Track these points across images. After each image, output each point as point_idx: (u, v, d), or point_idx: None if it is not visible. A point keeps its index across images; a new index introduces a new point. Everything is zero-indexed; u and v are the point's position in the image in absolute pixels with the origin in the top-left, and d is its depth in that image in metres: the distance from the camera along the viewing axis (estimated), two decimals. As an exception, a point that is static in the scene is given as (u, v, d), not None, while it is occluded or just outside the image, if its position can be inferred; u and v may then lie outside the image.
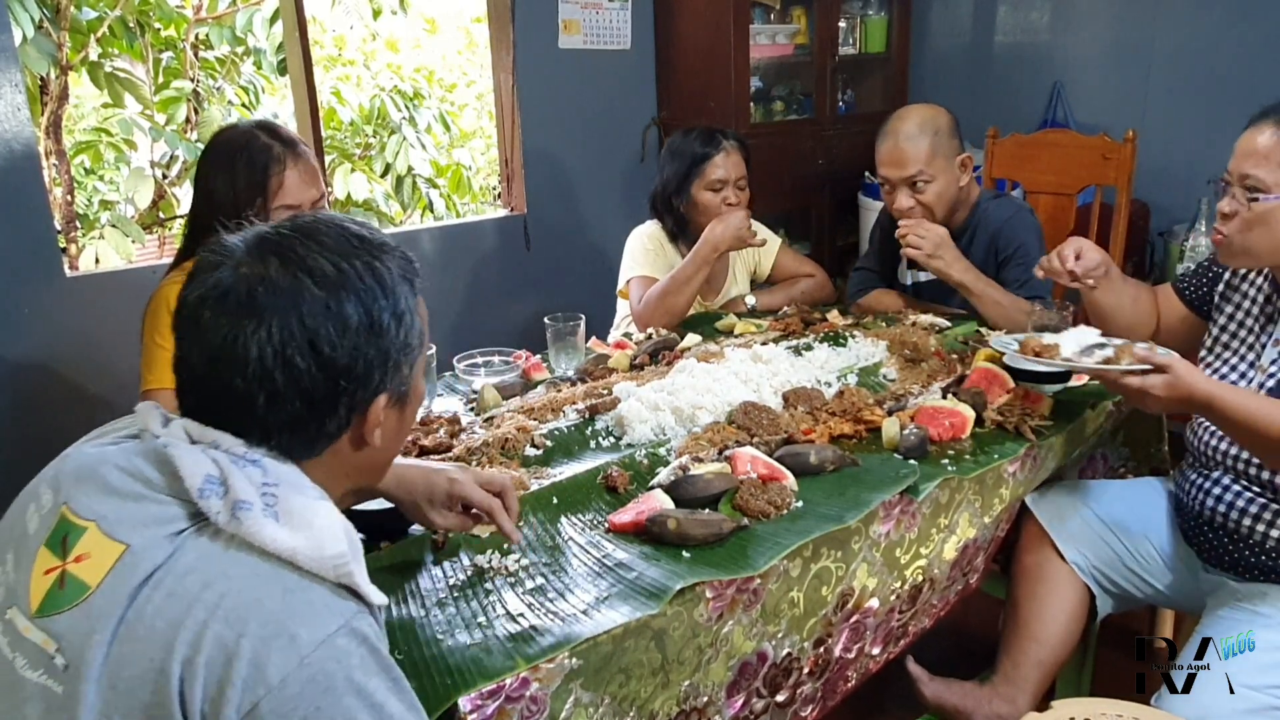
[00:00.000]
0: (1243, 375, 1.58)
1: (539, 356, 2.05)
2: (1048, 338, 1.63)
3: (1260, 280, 1.63)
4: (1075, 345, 1.60)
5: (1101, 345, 1.57)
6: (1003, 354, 1.66)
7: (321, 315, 0.84)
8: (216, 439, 0.84)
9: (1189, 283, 1.77)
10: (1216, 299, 1.70)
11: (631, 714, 1.14)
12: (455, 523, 1.22)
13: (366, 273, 0.87)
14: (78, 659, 0.76)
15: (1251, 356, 1.59)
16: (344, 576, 0.80)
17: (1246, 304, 1.64)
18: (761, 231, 2.58)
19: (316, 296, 0.84)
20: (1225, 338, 1.66)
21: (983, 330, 2.11)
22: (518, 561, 1.23)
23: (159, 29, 3.97)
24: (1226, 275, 1.69)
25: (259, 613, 0.76)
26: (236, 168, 1.69)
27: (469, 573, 1.22)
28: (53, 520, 0.83)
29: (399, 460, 1.21)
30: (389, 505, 1.30)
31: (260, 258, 0.85)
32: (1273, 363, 1.54)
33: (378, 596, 0.83)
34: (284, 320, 0.82)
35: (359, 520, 1.31)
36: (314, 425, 0.87)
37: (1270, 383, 1.52)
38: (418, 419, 1.70)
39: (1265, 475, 1.52)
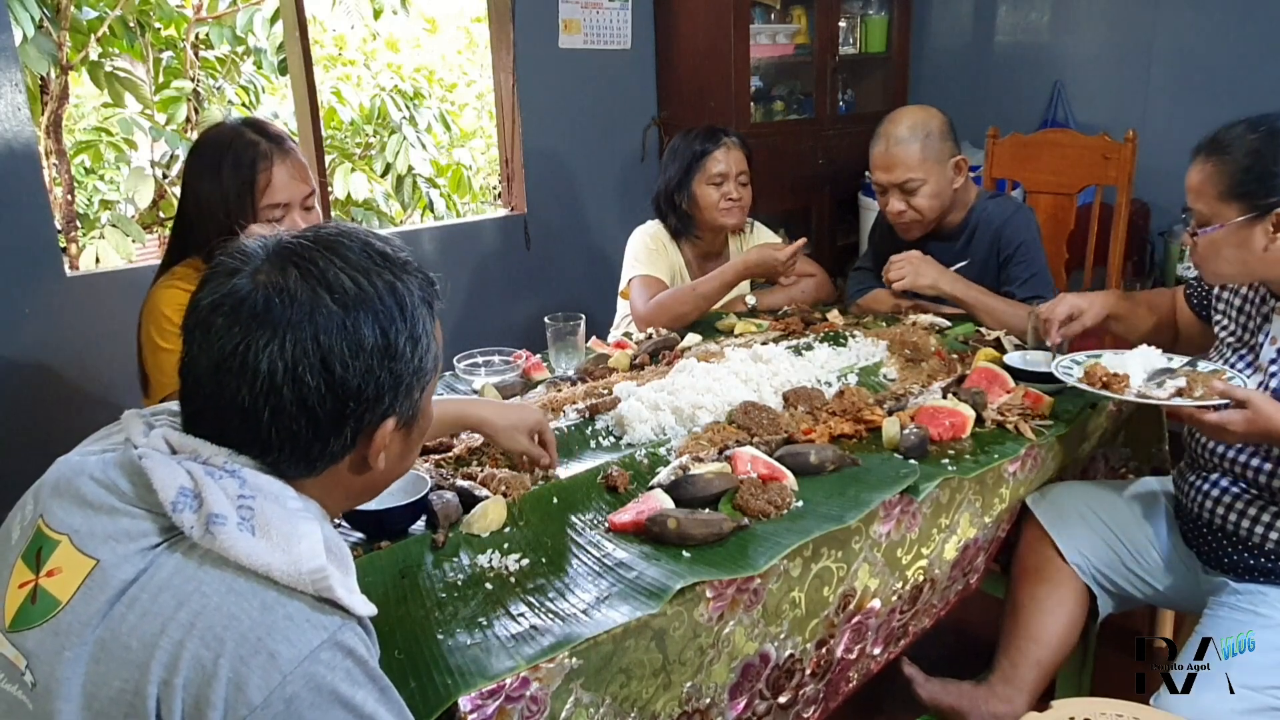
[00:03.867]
0: (1241, 374, 1.59)
1: (539, 356, 2.05)
2: (1111, 363, 1.60)
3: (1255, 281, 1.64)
4: (1142, 370, 1.59)
5: (1169, 371, 1.57)
6: (1064, 381, 1.61)
7: (337, 334, 0.81)
8: (197, 449, 0.82)
9: (1193, 289, 1.79)
10: (1214, 301, 1.72)
11: (633, 715, 1.14)
12: (536, 452, 1.44)
13: (387, 293, 0.85)
14: (47, 677, 0.74)
15: (1250, 357, 1.60)
16: (324, 590, 0.77)
17: (1243, 304, 1.65)
18: (762, 232, 2.59)
19: (333, 313, 0.81)
20: (1228, 338, 1.67)
21: (983, 330, 2.11)
22: (518, 561, 1.23)
23: (159, 29, 3.97)
24: None
25: (236, 631, 0.73)
26: (223, 167, 1.66)
27: (469, 573, 1.22)
28: (31, 532, 0.82)
29: (476, 398, 1.43)
30: (389, 506, 1.30)
31: (280, 267, 0.82)
32: (1272, 362, 1.55)
33: (364, 607, 0.81)
34: (298, 335, 0.80)
35: (359, 520, 1.31)
36: (316, 445, 0.84)
37: (1272, 382, 1.52)
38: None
39: (1263, 479, 1.52)
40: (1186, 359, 1.62)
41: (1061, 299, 1.79)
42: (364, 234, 0.89)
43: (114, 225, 3.61)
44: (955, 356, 1.95)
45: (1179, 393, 1.48)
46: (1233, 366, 1.62)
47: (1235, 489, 1.57)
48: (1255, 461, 1.52)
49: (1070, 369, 1.63)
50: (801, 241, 2.30)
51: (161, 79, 4.02)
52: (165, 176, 4.02)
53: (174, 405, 0.91)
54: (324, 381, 0.81)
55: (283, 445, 0.83)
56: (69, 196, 3.71)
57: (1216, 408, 1.43)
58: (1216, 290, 1.71)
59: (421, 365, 0.88)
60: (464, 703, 0.97)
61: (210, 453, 0.82)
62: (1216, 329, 1.70)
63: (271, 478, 0.83)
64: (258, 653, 0.73)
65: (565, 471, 1.50)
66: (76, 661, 0.74)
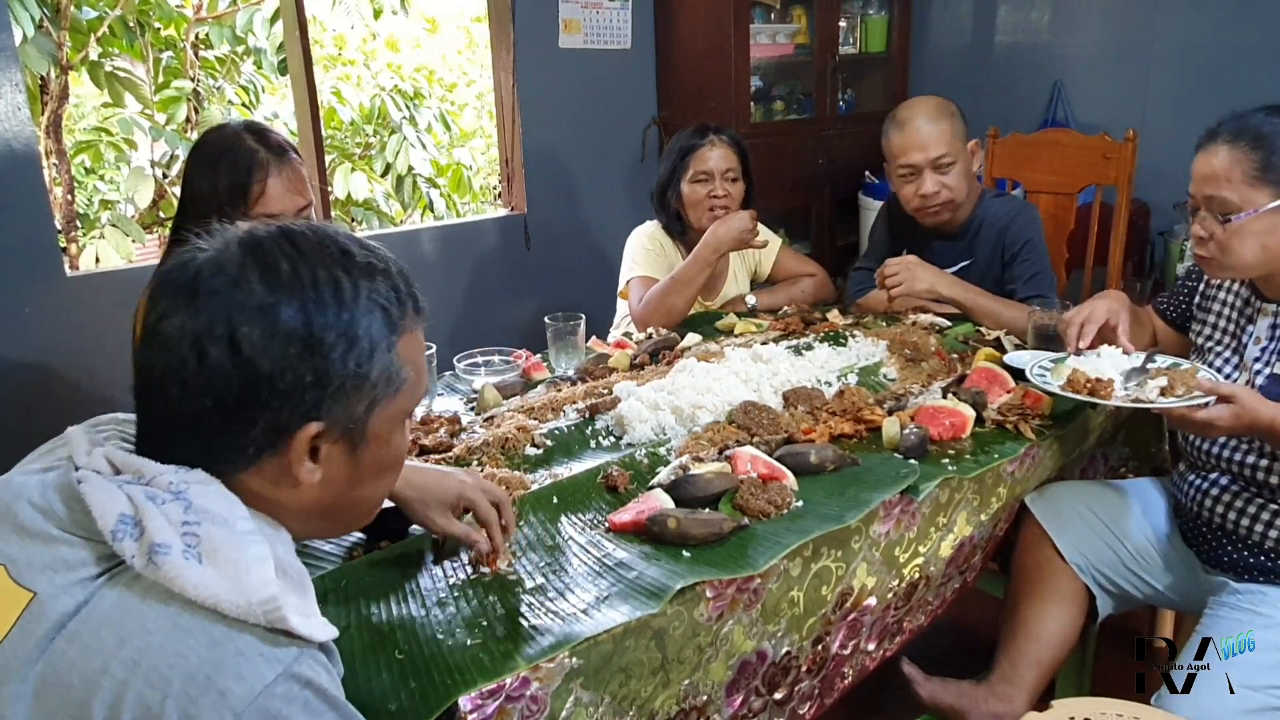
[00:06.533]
0: (1228, 377, 1.59)
1: (539, 356, 2.05)
2: (1089, 368, 1.58)
3: (1237, 285, 1.66)
4: (1116, 370, 1.58)
5: (1143, 370, 1.56)
6: (1046, 389, 1.59)
7: (253, 312, 0.77)
8: (141, 468, 0.78)
9: (1168, 303, 1.80)
10: (1194, 310, 1.73)
11: (632, 713, 1.14)
12: (456, 530, 1.21)
13: (327, 284, 0.79)
14: None
15: (1236, 359, 1.61)
16: (276, 622, 0.73)
17: (1226, 310, 1.67)
18: (762, 232, 2.58)
19: (254, 292, 0.77)
20: (1209, 344, 1.68)
21: (983, 330, 2.11)
22: (518, 561, 1.23)
23: (159, 28, 3.97)
24: (1201, 286, 1.73)
25: (183, 669, 0.70)
26: (220, 169, 1.66)
27: (469, 572, 1.22)
28: None
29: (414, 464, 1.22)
30: (389, 505, 1.30)
31: (226, 245, 0.80)
32: (1256, 360, 1.56)
33: (323, 632, 0.77)
34: (212, 309, 0.77)
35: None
36: (224, 433, 0.79)
37: (1258, 379, 1.53)
38: (418, 418, 1.70)
39: (1261, 476, 1.52)
40: (1146, 353, 1.62)
41: (1097, 306, 1.70)
42: (335, 232, 0.84)
43: (114, 225, 3.62)
44: (955, 356, 1.95)
45: (1163, 393, 1.48)
46: (1211, 367, 1.62)
47: (1234, 487, 1.57)
48: (1250, 459, 1.53)
49: (1044, 374, 1.63)
50: (752, 212, 2.32)
51: (161, 79, 4.02)
52: (165, 176, 4.02)
53: (120, 415, 0.88)
54: (230, 359, 0.76)
55: (190, 428, 0.79)
56: (69, 196, 3.72)
57: (1205, 405, 1.43)
58: (1202, 296, 1.71)
59: (361, 372, 0.81)
60: (464, 703, 0.97)
61: (155, 472, 0.78)
62: (1197, 337, 1.71)
63: (220, 495, 0.79)
64: (207, 692, 0.69)
65: (565, 471, 1.50)
66: (19, 699, 0.71)
